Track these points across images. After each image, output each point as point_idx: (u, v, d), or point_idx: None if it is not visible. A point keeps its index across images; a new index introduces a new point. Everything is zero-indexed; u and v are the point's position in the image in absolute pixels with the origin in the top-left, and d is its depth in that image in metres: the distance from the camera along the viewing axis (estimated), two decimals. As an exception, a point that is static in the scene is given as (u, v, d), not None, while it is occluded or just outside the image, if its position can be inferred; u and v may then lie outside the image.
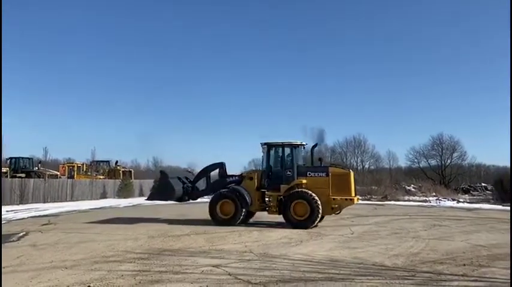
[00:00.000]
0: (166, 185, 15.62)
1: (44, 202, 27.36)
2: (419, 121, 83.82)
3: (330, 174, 13.92)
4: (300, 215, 13.66)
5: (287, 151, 14.75)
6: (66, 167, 39.16)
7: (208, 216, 14.65)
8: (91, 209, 23.35)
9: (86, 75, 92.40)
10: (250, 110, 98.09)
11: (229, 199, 14.57)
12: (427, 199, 33.82)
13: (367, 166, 62.21)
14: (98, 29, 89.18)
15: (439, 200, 32.97)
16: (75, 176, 36.78)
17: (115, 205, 27.38)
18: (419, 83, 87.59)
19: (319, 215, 13.57)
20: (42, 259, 8.40)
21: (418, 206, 26.48)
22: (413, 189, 39.57)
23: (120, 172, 40.11)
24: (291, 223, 13.77)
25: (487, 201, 32.14)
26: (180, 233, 12.31)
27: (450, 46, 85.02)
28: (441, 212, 21.01)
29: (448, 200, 33.38)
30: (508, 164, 49.09)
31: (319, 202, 13.47)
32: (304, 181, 14.13)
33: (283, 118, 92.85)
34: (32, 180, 28.32)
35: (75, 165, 39.27)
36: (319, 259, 8.46)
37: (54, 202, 28.20)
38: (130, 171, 42.63)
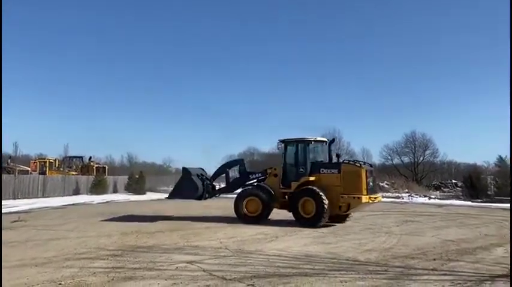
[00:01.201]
0: (190, 183, 15.26)
1: (14, 199, 26.66)
2: (393, 119, 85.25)
3: (342, 171, 13.19)
4: (308, 213, 13.11)
5: (300, 147, 14.33)
6: (38, 163, 38.19)
7: (182, 212, 14.56)
8: (63, 205, 22.89)
9: (57, 69, 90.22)
10: (228, 107, 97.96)
11: (255, 196, 14.25)
12: (399, 195, 34.52)
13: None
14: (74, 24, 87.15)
15: (412, 196, 33.71)
16: (47, 172, 35.94)
17: (88, 201, 26.89)
18: (393, 81, 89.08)
19: (325, 214, 12.81)
20: (12, 256, 8.17)
21: (391, 202, 26.98)
22: (386, 185, 40.28)
23: (94, 168, 39.43)
24: (299, 221, 13.30)
25: (457, 197, 33.02)
26: (154, 230, 12.20)
27: (426, 43, 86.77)
28: (413, 208, 21.48)
29: (420, 196, 34.15)
30: (477, 162, 50.68)
31: (325, 200, 12.80)
32: (311, 178, 13.56)
33: (262, 113, 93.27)
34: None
35: (47, 161, 38.36)
36: (294, 254, 8.52)
37: (25, 198, 27.54)
38: (104, 167, 41.96)
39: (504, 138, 72.01)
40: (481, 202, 28.27)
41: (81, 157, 41.86)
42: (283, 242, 10.18)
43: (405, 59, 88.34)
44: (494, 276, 6.64)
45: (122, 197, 32.46)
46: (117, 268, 7.06)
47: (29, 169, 37.24)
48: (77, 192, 33.05)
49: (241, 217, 14.34)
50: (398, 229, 12.91)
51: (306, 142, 14.25)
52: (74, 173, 37.80)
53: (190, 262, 7.56)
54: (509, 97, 6.57)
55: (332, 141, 14.76)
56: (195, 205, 23.47)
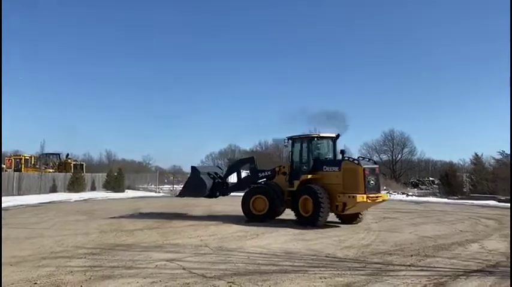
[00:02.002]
0: (199, 181, 15.20)
1: (-12, 197, 25.95)
2: (372, 117, 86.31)
3: (342, 169, 12.55)
4: (307, 212, 12.62)
5: (304, 144, 13.87)
6: (13, 160, 37.25)
7: (161, 210, 14.43)
8: (40, 203, 22.43)
9: (32, 62, 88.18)
10: (207, 103, 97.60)
11: (262, 194, 13.99)
12: (378, 192, 34.93)
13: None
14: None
15: (390, 193, 34.23)
16: (22, 169, 35.10)
17: (65, 199, 26.42)
18: (372, 78, 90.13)
19: (323, 213, 12.22)
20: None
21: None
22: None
23: (71, 165, 38.69)
24: (299, 220, 12.91)
25: (434, 194, 33.68)
26: (134, 228, 12.07)
27: (404, 42, 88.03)
28: (391, 205, 21.78)
29: (398, 193, 34.71)
30: (453, 159, 51.77)
31: (322, 198, 12.21)
32: (313, 176, 13.04)
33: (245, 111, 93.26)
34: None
35: (23, 157, 37.46)
36: (274, 251, 8.55)
37: (-1, 196, 26.81)
38: (82, 164, 41.23)
39: (479, 136, 73.78)
40: (457, 199, 28.87)
41: (58, 154, 41.04)
42: (263, 239, 10.20)
43: (383, 58, 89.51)
44: (469, 271, 6.79)
45: (100, 194, 32.00)
46: (95, 267, 6.96)
47: (4, 166, 36.32)
48: (53, 190, 32.40)
49: (248, 215, 14.10)
50: (376, 225, 13.09)
51: (308, 139, 13.75)
52: (50, 170, 37.04)
53: (170, 260, 7.50)
54: (509, 97, 6.74)
55: (337, 137, 13.87)
56: (175, 203, 23.33)
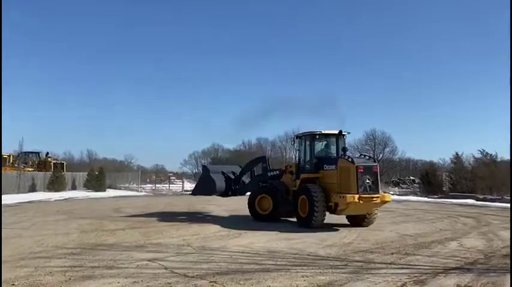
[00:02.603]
0: (208, 179, 15.25)
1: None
2: (354, 116, 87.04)
3: (338, 167, 11.98)
4: (304, 212, 12.21)
5: (307, 142, 13.32)
6: (-10, 159, 36.42)
7: (143, 209, 14.29)
8: (19, 203, 21.95)
9: (10, 63, 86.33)
10: (189, 100, 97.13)
11: (267, 193, 13.74)
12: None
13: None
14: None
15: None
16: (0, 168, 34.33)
17: (45, 198, 25.95)
18: (355, 79, 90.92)
19: (318, 214, 11.68)
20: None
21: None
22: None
23: (51, 164, 38.04)
24: (298, 221, 12.63)
25: (414, 193, 34.20)
26: (115, 228, 11.94)
27: (385, 42, 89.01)
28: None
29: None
30: (433, 159, 52.61)
31: (316, 198, 11.70)
32: (312, 175, 12.66)
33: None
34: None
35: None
36: (257, 250, 8.57)
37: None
38: (63, 163, 40.59)
39: (458, 137, 75.12)
40: (437, 197, 29.38)
41: (37, 153, 40.30)
42: (246, 238, 10.20)
43: (366, 57, 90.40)
44: (448, 269, 6.92)
45: (81, 194, 31.53)
46: (75, 267, 6.85)
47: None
48: (33, 189, 31.77)
49: (254, 215, 13.94)
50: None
51: (311, 136, 13.21)
52: (29, 169, 36.31)
53: (152, 260, 7.43)
54: (509, 97, 6.85)
55: (339, 133, 13.08)
56: (157, 202, 23.19)
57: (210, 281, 5.96)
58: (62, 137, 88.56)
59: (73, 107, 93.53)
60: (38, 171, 35.81)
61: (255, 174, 15.53)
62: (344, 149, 12.75)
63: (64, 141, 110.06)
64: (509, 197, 25.52)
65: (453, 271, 6.74)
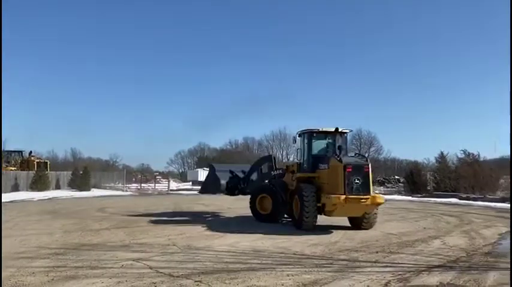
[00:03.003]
0: (213, 178, 15.30)
1: None
2: (344, 117, 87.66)
3: (329, 166, 11.46)
4: (296, 213, 11.96)
5: (306, 140, 12.79)
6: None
7: (128, 209, 14.17)
8: (0, 203, 21.55)
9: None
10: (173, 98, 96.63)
11: (267, 193, 13.35)
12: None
13: (291, 159, 64.16)
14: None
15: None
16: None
17: (28, 198, 25.55)
18: (342, 80, 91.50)
19: (308, 214, 11.18)
20: None
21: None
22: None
23: (35, 163, 37.47)
24: (292, 222, 12.42)
25: (399, 193, 34.54)
26: (99, 227, 11.82)
27: (367, 44, 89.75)
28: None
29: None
30: (418, 159, 53.22)
31: (307, 197, 11.20)
32: (307, 175, 12.29)
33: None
34: None
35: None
36: (242, 249, 8.56)
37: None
38: (46, 162, 39.98)
39: (444, 137, 76.08)
40: (421, 196, 29.72)
41: (20, 152, 39.68)
42: (232, 238, 10.18)
43: (351, 60, 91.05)
44: (432, 267, 7.02)
45: (65, 193, 31.12)
46: (58, 267, 6.76)
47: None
48: (15, 188, 31.24)
49: (255, 215, 13.59)
50: (343, 223, 13.23)
51: (308, 134, 12.65)
52: (12, 168, 35.73)
53: (137, 260, 7.38)
54: (509, 97, 6.93)
55: (336, 131, 12.51)
56: (142, 202, 23.02)
57: (195, 281, 5.94)
58: (46, 136, 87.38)
59: (57, 106, 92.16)
60: (21, 170, 35.24)
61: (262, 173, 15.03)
62: (340, 148, 12.11)
63: (48, 140, 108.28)
64: (491, 196, 26.04)
65: (436, 269, 6.84)
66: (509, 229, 12.10)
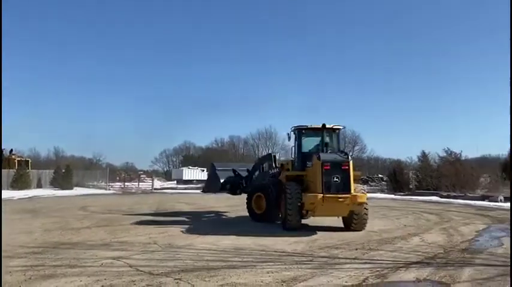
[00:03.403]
0: (214, 177, 15.19)
1: None
2: (327, 116, 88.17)
3: (312, 164, 11.12)
4: (282, 212, 11.73)
5: (296, 137, 12.41)
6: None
7: (110, 208, 14.06)
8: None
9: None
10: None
11: (262, 192, 13.07)
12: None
13: (277, 157, 64.29)
14: None
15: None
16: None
17: (8, 197, 25.08)
18: (324, 79, 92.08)
19: (291, 214, 10.85)
20: None
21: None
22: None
23: (15, 161, 36.89)
24: (281, 221, 11.93)
25: (382, 191, 34.94)
26: (80, 226, 11.71)
27: (349, 46, 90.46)
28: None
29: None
30: (401, 158, 53.87)
31: (290, 197, 10.86)
32: (289, 173, 11.98)
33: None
34: None
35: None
36: (223, 247, 8.57)
37: None
38: (27, 160, 39.43)
39: (425, 136, 77.13)
40: (403, 195, 30.11)
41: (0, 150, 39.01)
42: (213, 236, 10.18)
43: (336, 60, 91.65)
44: (409, 263, 7.13)
45: (46, 192, 30.71)
46: (36, 266, 6.68)
47: None
48: (-5, 187, 30.72)
49: (251, 214, 13.39)
50: (325, 221, 13.31)
51: (298, 131, 12.33)
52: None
53: (117, 258, 7.33)
54: (509, 96, 7.04)
55: (323, 127, 11.95)
56: (125, 201, 22.83)
57: (175, 279, 5.94)
58: (28, 134, 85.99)
59: (39, 104, 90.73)
60: (1, 169, 34.64)
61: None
62: (326, 145, 11.83)
63: (30, 138, 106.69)
64: (471, 195, 26.50)
65: (414, 265, 6.95)
66: (486, 226, 12.36)
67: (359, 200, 10.45)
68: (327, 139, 12.20)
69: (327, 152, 11.40)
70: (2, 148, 38.99)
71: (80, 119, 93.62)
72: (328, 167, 10.47)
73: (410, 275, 6.29)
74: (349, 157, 10.99)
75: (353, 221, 11.19)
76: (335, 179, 10.42)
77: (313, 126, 12.19)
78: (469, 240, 9.83)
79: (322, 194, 10.28)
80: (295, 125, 12.38)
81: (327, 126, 12.00)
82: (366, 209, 11.17)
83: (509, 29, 7.61)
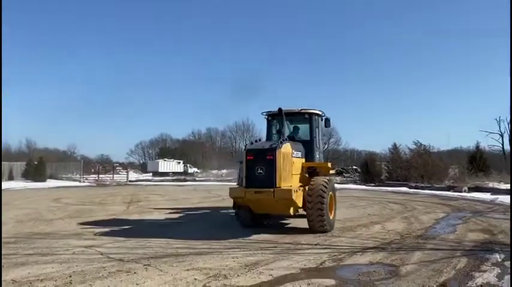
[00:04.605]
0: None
1: None
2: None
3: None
4: None
5: (266, 124, 11.29)
6: None
7: (84, 200, 14.22)
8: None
9: None
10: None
11: None
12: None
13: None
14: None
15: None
16: None
17: (-21, 189, 24.80)
18: (302, 71, 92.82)
19: (239, 210, 10.18)
20: None
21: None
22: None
23: (-15, 153, 36.19)
24: None
25: (354, 182, 35.85)
26: (53, 217, 11.87)
27: (332, 36, 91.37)
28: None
29: (322, 181, 36.33)
30: (376, 150, 55.10)
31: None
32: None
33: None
34: None
35: None
36: (195, 237, 8.88)
37: None
38: (-2, 152, 38.69)
39: (403, 128, 78.83)
40: (374, 185, 31.02)
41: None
42: (186, 227, 10.51)
43: (314, 51, 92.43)
44: (366, 248, 7.62)
45: (18, 184, 30.37)
46: (9, 255, 6.89)
47: None
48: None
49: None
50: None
51: (272, 116, 11.11)
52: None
53: (89, 247, 7.61)
54: (509, 94, 7.49)
55: (279, 112, 10.32)
56: (99, 193, 22.86)
57: (144, 265, 6.26)
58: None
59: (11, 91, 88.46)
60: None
61: None
62: (279, 132, 10.42)
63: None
64: (438, 185, 27.54)
65: (369, 250, 7.45)
66: (445, 215, 13.07)
67: (285, 195, 8.83)
68: (289, 126, 11.07)
69: (281, 141, 9.32)
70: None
71: (53, 110, 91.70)
72: (252, 158, 9.13)
73: (365, 259, 6.78)
74: (281, 146, 9.05)
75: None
76: (259, 171, 8.99)
77: (288, 110, 10.65)
78: (426, 227, 10.42)
79: (244, 189, 9.13)
80: (265, 111, 11.22)
81: (291, 110, 10.61)
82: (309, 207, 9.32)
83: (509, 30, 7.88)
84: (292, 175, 9.47)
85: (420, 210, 14.54)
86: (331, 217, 9.75)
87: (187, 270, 5.97)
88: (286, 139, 9.62)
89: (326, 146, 60.73)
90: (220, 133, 75.73)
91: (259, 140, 10.17)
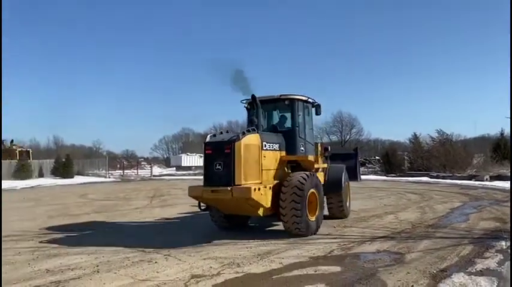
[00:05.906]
0: (354, 165, 13.35)
1: None
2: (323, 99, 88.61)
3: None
4: None
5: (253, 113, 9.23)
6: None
7: (110, 195, 14.84)
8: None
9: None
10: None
11: None
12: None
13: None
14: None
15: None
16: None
17: (11, 187, 25.95)
18: (320, 62, 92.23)
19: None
20: None
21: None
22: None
23: (17, 151, 37.68)
24: None
25: (375, 173, 35.80)
26: (80, 212, 12.54)
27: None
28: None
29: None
30: (400, 139, 54.61)
31: None
32: None
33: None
34: None
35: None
36: (215, 228, 9.29)
37: None
38: (28, 151, 40.22)
39: (428, 117, 77.78)
40: (395, 176, 30.97)
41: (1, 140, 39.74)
42: (205, 219, 10.96)
43: (333, 43, 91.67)
44: (376, 237, 7.93)
45: (48, 181, 31.62)
46: (42, 248, 7.49)
47: None
48: (-3, 178, 31.54)
49: None
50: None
51: (248, 104, 9.70)
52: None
53: (113, 239, 8.15)
54: (509, 93, 7.74)
55: (253, 99, 8.95)
56: (124, 188, 23.63)
57: (164, 255, 6.74)
58: (28, 123, 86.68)
59: (39, 92, 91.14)
60: (3, 159, 35.42)
61: None
62: (252, 122, 8.85)
63: (30, 127, 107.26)
64: (459, 174, 27.35)
65: (378, 239, 7.74)
66: (461, 204, 13.17)
67: (244, 195, 7.53)
68: (272, 115, 10.22)
69: (244, 131, 8.16)
70: (2, 139, 39.84)
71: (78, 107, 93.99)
72: (210, 152, 8.01)
73: (372, 247, 7.09)
74: (241, 137, 7.81)
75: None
76: (217, 167, 7.82)
77: (280, 96, 9.42)
78: (439, 217, 10.60)
79: (203, 187, 7.98)
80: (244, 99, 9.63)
81: (286, 96, 9.40)
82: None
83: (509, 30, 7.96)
84: (261, 170, 8.21)
85: (437, 199, 14.67)
86: (312, 219, 8.32)
87: (204, 259, 6.41)
88: (253, 129, 8.31)
89: (348, 137, 60.59)
90: (240, 126, 76.26)
91: (227, 132, 8.85)
